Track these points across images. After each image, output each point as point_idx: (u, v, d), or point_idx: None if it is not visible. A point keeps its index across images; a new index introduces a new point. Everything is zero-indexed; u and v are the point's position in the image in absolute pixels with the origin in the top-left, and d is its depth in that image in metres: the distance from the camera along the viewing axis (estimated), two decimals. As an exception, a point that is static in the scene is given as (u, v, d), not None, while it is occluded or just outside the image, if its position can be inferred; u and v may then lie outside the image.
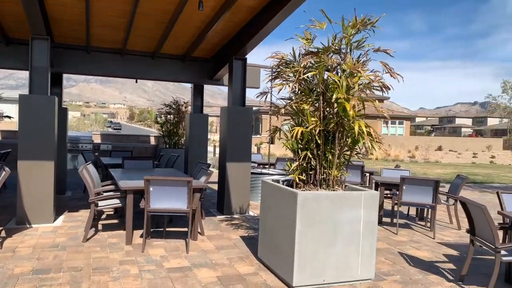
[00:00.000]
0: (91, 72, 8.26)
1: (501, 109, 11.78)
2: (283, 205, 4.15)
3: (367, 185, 9.12)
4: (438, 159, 34.45)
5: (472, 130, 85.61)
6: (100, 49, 8.07)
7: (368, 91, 4.44)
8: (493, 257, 3.89)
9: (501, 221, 4.81)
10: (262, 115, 41.10)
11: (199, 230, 5.68)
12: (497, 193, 4.92)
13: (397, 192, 6.59)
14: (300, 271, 3.88)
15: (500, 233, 4.70)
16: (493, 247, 3.79)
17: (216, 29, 6.99)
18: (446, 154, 38.50)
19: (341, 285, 4.02)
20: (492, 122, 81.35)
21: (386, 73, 4.28)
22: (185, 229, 5.82)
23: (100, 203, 5.37)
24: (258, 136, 38.82)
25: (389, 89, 4.22)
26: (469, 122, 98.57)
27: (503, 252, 3.87)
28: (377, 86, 4.31)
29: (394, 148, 36.64)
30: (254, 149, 27.87)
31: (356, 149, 4.51)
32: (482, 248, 4.69)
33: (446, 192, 7.16)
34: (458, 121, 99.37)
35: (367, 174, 9.52)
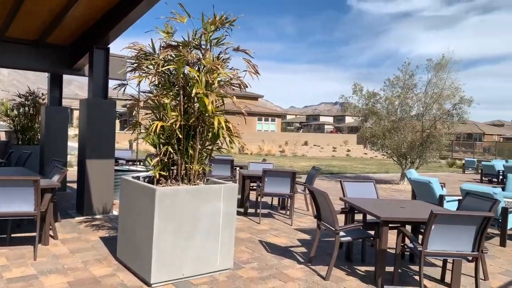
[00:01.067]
0: None
1: (351, 108, 13.44)
2: (142, 202, 4.04)
3: (236, 178, 9.45)
4: (304, 153, 37.61)
5: (333, 127, 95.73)
6: None
7: (244, 89, 4.58)
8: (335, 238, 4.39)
9: (343, 206, 5.47)
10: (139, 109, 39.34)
11: (51, 234, 5.17)
12: (340, 181, 5.59)
13: (261, 184, 6.98)
14: (158, 267, 3.82)
15: (343, 217, 5.36)
16: (333, 229, 4.29)
17: (74, 15, 6.41)
18: (311, 149, 42.27)
19: (200, 277, 4.10)
20: (349, 120, 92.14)
21: (249, 70, 4.45)
22: (35, 234, 5.22)
23: None
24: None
25: (247, 86, 4.43)
26: (331, 120, 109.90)
27: (341, 233, 4.41)
28: (236, 84, 4.48)
29: (267, 144, 38.78)
30: (126, 145, 26.51)
31: (217, 143, 4.62)
32: (327, 231, 5.27)
33: (303, 182, 7.86)
34: (322, 119, 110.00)
35: (237, 168, 9.86)
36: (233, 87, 4.54)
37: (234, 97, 4.27)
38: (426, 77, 13.28)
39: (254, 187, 8.04)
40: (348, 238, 4.43)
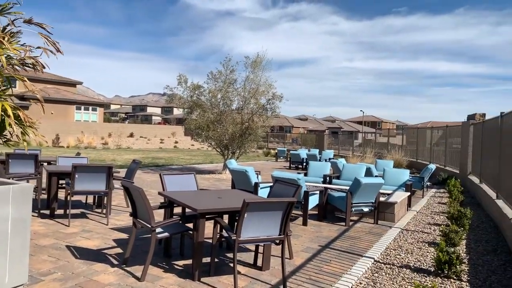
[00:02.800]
0: None
1: (177, 100, 13.29)
2: None
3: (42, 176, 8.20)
4: (130, 145, 35.97)
5: (161, 119, 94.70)
6: None
7: (40, 70, 3.82)
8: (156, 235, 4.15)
9: (164, 201, 5.27)
10: None
11: None
12: (160, 175, 5.36)
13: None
14: None
15: (162, 212, 5.15)
16: (149, 226, 4.05)
17: None
18: (137, 140, 40.73)
19: (-20, 302, 3.29)
20: (177, 111, 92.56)
21: (45, 48, 3.78)
22: None
23: None
24: None
25: (44, 67, 3.75)
26: (159, 111, 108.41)
27: (158, 229, 4.20)
28: (31, 64, 3.75)
29: (88, 135, 35.58)
30: None
31: (5, 135, 3.80)
32: (144, 228, 4.99)
33: (122, 177, 7.33)
34: (150, 110, 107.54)
35: (44, 164, 8.58)
36: (26, 67, 3.79)
37: (26, 78, 3.55)
38: (245, 73, 14.18)
39: (63, 185, 7.09)
40: (166, 234, 4.25)
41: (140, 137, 45.07)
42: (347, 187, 8.72)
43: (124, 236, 5.56)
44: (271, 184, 7.85)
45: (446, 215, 7.54)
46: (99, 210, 7.12)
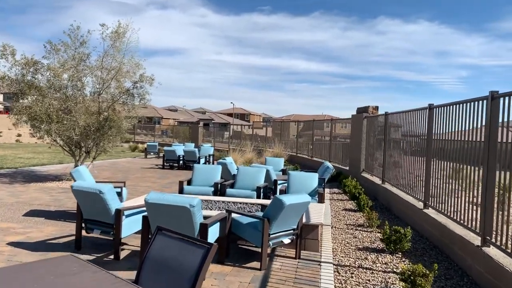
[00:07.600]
0: None
1: (-1, 78, 9.60)
2: None
3: None
4: None
5: (2, 107, 79.94)
6: None
7: None
8: None
9: None
10: None
11: None
12: None
13: None
14: None
15: None
16: None
17: None
18: (-38, 134, 32.17)
19: None
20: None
21: None
22: None
23: None
24: None
25: None
26: (0, 97, 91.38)
27: None
28: None
29: None
30: None
31: None
32: None
33: None
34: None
35: None
36: None
37: None
38: (102, 49, 10.76)
39: None
40: None
41: (-33, 129, 36.04)
42: (250, 200, 6.48)
43: None
44: (141, 207, 5.11)
45: (380, 236, 5.89)
46: None
